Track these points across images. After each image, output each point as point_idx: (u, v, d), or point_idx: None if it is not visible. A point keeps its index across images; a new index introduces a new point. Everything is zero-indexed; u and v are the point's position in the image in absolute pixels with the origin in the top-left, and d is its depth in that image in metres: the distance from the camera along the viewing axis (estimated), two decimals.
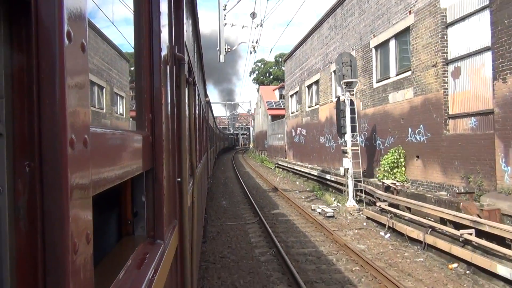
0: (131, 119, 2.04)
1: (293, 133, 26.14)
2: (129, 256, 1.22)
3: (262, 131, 45.11)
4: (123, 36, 1.74)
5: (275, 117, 38.11)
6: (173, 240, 1.76)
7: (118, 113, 2.13)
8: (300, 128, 24.43)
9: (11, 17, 0.60)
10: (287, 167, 24.10)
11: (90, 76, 0.76)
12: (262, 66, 71.90)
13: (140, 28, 1.45)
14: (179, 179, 2.03)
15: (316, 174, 17.58)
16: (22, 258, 0.57)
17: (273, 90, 47.90)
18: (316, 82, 20.91)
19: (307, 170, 19.24)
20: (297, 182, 19.77)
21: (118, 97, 2.08)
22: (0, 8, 0.59)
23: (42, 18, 0.60)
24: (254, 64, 74.21)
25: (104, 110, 1.90)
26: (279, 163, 26.61)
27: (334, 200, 13.53)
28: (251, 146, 58.87)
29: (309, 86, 22.57)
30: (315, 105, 21.28)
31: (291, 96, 27.34)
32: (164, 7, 1.71)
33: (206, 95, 10.79)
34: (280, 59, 64.98)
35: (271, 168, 28.58)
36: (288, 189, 17.15)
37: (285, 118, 29.27)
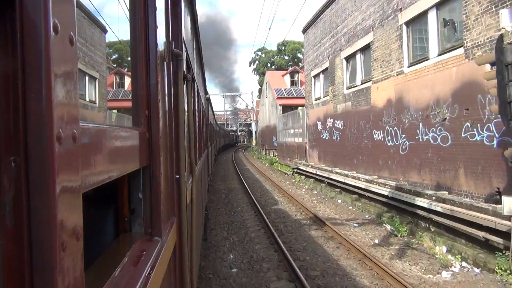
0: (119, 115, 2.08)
1: (319, 127, 18.57)
2: (126, 253, 1.21)
3: (269, 126, 37.37)
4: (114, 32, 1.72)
5: (286, 108, 30.84)
6: (171, 237, 1.75)
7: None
8: (331, 120, 16.67)
9: None
10: (312, 173, 17.32)
11: (87, 71, 0.75)
12: (264, 55, 64.84)
13: (135, 24, 1.43)
14: (177, 176, 2.02)
15: (387, 194, 10.11)
16: (8, 256, 0.56)
17: (282, 76, 39.54)
18: (366, 48, 13.37)
19: (361, 185, 11.76)
20: (339, 201, 13.15)
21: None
22: None
23: (27, 10, 0.59)
24: (254, 53, 68.45)
25: (97, 105, 1.91)
26: (300, 167, 19.59)
27: (450, 253, 7.18)
28: (253, 144, 53.25)
29: (351, 57, 14.94)
30: (363, 83, 13.72)
31: (315, 77, 19.55)
32: (160, 3, 1.70)
33: (206, 92, 10.78)
34: (284, 47, 60.26)
35: (286, 174, 21.90)
36: (337, 219, 10.44)
37: (304, 108, 21.50)
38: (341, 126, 15.61)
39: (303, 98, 31.20)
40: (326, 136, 17.65)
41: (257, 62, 66.22)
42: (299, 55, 59.29)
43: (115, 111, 2.01)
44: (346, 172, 14.08)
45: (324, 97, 18.28)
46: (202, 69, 7.79)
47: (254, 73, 67.06)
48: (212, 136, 18.54)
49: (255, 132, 52.46)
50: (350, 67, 15.22)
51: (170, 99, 1.93)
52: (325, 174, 15.56)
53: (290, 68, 43.64)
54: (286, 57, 61.38)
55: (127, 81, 1.79)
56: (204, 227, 8.35)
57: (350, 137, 14.76)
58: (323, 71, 18.44)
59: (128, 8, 1.43)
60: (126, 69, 1.97)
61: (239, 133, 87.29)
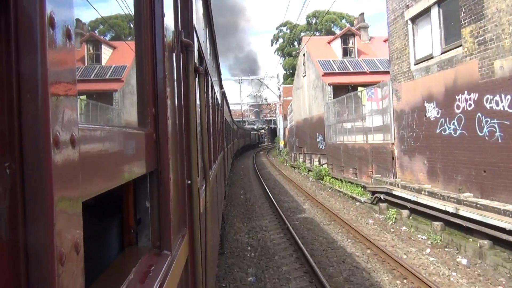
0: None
1: (431, 113, 11.53)
2: (132, 269, 1.24)
3: (309, 119, 28.83)
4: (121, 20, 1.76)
5: (338, 90, 23.90)
6: (183, 251, 1.78)
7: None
8: (474, 96, 9.59)
9: None
10: (440, 213, 9.69)
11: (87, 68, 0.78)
12: (288, 31, 58.47)
13: (140, 11, 1.46)
14: (189, 182, 2.05)
15: None
16: (3, 271, 0.59)
17: (329, 43, 30.66)
18: None
19: None
20: None
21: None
22: None
23: (21, 3, 0.62)
24: (276, 29, 62.61)
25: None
26: (395, 192, 12.13)
27: None
28: (280, 145, 46.44)
29: None
30: None
31: (417, 18, 12.40)
32: None
33: (221, 86, 10.85)
34: (315, 19, 54.43)
35: (356, 201, 15.09)
36: None
37: (389, 82, 14.48)
38: (508, 108, 8.46)
39: (364, 73, 25.84)
40: (454, 130, 10.45)
41: (280, 40, 60.80)
42: (335, 29, 53.28)
43: (83, 96, 1.53)
44: None
45: (445, 52, 10.91)
46: (217, 60, 7.85)
47: (278, 54, 60.25)
48: (229, 136, 18.44)
49: (284, 130, 46.22)
50: None
51: (180, 95, 1.95)
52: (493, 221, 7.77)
53: (339, 31, 35.03)
54: (317, 33, 53.72)
55: (105, 53, 1.68)
56: (221, 239, 8.42)
57: None
58: (436, 3, 11.17)
59: None
60: (108, 37, 1.76)
61: (262, 132, 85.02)
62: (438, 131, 11.21)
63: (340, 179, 18.88)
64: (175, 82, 1.82)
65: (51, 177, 0.62)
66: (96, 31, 1.62)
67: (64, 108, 0.68)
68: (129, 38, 1.80)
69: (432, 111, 11.61)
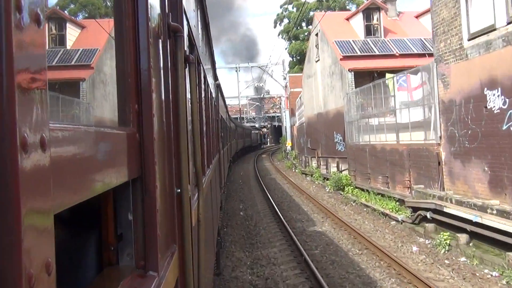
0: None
1: (494, 104, 10.35)
2: None
3: (324, 113, 27.57)
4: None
5: (361, 77, 22.76)
6: (171, 271, 1.78)
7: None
8: None
9: None
10: None
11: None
12: (295, 10, 56.98)
13: None
14: (178, 190, 2.06)
15: None
16: None
17: (348, 19, 28.83)
18: None
19: None
20: None
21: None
22: None
23: None
24: (281, 8, 61.01)
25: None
26: (448, 210, 10.75)
27: None
28: (287, 147, 45.34)
29: None
30: None
31: None
32: None
33: (215, 77, 10.85)
34: None
35: (391, 218, 13.82)
36: None
37: (432, 64, 13.29)
38: None
39: (392, 56, 23.76)
40: None
41: (285, 20, 59.06)
42: (350, 7, 51.25)
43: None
44: None
45: None
46: (210, 47, 7.85)
47: (282, 37, 58.91)
48: (225, 136, 18.39)
49: (291, 128, 45.24)
50: None
51: (168, 89, 1.96)
52: None
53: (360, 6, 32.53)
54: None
55: (71, 33, 1.57)
56: (217, 257, 8.41)
57: None
58: None
59: None
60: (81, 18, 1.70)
61: (264, 131, 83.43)
62: (505, 127, 9.80)
63: (366, 190, 17.49)
64: (162, 73, 1.82)
65: (18, 186, 0.62)
66: (66, 11, 1.57)
67: (33, 104, 0.68)
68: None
69: (495, 101, 10.15)
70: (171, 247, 1.88)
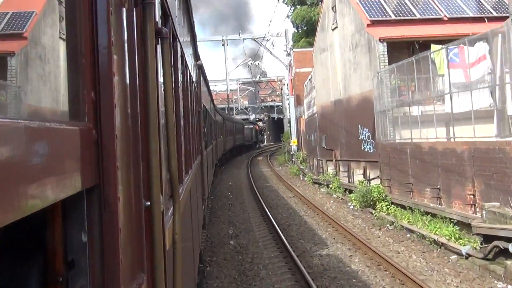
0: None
1: None
2: None
3: (344, 102, 25.22)
4: None
5: (396, 48, 20.83)
6: None
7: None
8: None
9: None
10: None
11: None
12: None
13: None
14: (147, 203, 2.05)
15: None
16: None
17: None
18: None
19: None
20: None
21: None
22: None
23: None
24: None
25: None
26: None
27: None
28: (292, 146, 43.12)
29: None
30: None
31: None
32: None
33: (197, 57, 10.85)
34: None
35: (440, 250, 12.31)
36: None
37: (510, 27, 12.20)
38: None
39: (439, 20, 21.07)
40: None
41: None
42: None
43: None
44: None
45: None
46: (190, 17, 7.78)
47: (283, 1, 53.98)
48: (210, 133, 18.57)
49: (297, 121, 43.60)
50: None
51: (134, 71, 1.94)
52: None
53: None
54: None
55: None
56: None
57: None
58: None
59: None
60: None
61: (261, 126, 75.65)
62: None
63: (409, 207, 15.72)
64: (126, 51, 1.79)
65: None
66: None
67: None
68: None
69: None
70: (138, 277, 1.84)
